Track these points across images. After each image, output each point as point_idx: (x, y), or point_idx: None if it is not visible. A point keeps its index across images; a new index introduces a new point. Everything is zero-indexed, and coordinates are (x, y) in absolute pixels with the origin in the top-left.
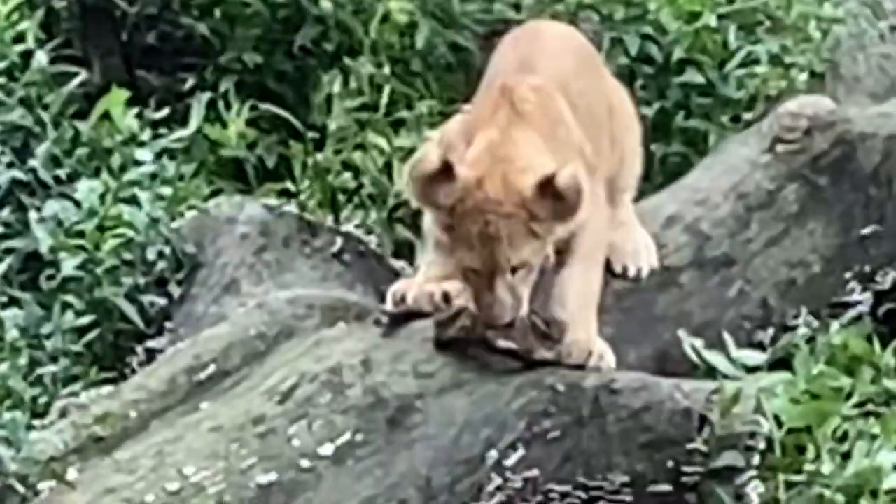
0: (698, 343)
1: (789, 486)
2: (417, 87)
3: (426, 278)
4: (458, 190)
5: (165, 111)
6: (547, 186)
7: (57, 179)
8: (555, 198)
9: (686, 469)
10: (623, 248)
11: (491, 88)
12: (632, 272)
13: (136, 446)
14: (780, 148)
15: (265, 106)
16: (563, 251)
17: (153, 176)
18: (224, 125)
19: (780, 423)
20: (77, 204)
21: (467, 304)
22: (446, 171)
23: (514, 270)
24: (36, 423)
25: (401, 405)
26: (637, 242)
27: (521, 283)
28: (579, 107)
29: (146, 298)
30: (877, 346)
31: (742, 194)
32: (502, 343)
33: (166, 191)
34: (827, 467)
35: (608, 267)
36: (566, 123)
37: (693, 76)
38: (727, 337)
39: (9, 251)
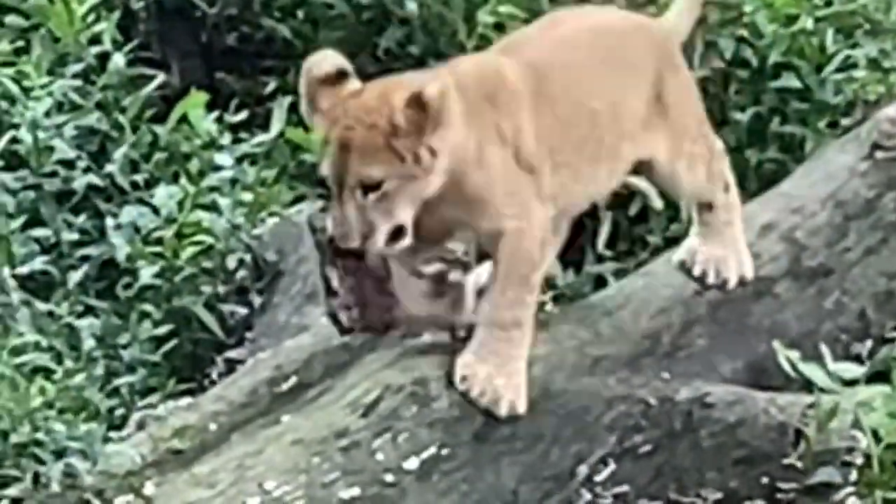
0: (794, 355)
1: (887, 503)
2: None
3: None
4: (341, 96)
5: (245, 115)
6: (417, 100)
7: (134, 185)
8: (420, 110)
9: (781, 485)
10: (710, 253)
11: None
12: (711, 279)
13: (215, 460)
14: (879, 154)
15: None
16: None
17: (233, 181)
18: (306, 129)
19: (878, 438)
20: (155, 210)
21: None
22: (340, 77)
23: (365, 190)
24: (113, 435)
25: (488, 419)
26: (730, 250)
27: (374, 209)
28: (559, 100)
29: (226, 307)
30: None
31: (840, 202)
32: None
33: (247, 197)
34: None
35: (691, 274)
36: (503, 104)
37: (789, 80)
38: (824, 349)
39: (85, 258)
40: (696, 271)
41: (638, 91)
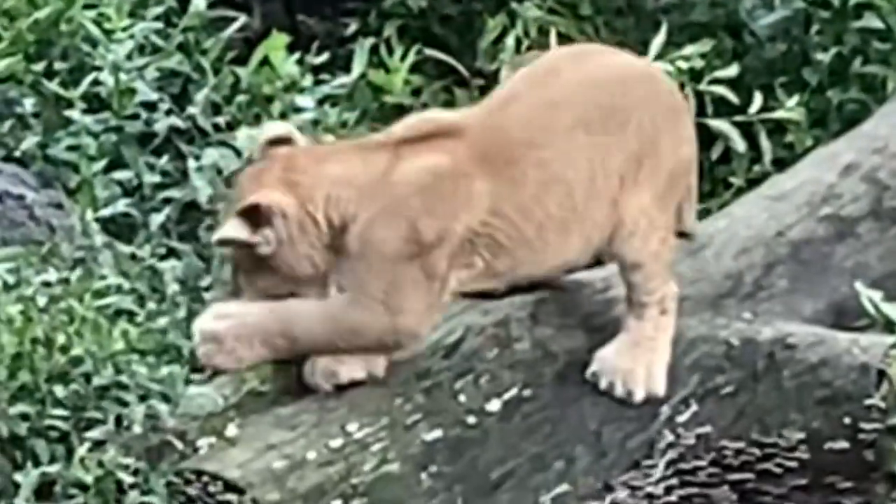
0: (876, 295)
1: None
2: (587, 31)
3: None
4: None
5: (327, 56)
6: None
7: (216, 127)
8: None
9: (863, 425)
10: (619, 365)
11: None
12: (618, 391)
13: (297, 402)
14: None
15: (430, 51)
16: None
17: (315, 123)
18: (387, 71)
19: None
20: (237, 152)
21: None
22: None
23: None
24: (195, 377)
25: (570, 360)
26: (640, 364)
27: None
28: (526, 180)
29: None
30: None
31: None
32: None
33: (328, 139)
34: None
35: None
36: (436, 207)
37: (871, 21)
38: None
39: (167, 201)
40: (603, 384)
41: (622, 148)
